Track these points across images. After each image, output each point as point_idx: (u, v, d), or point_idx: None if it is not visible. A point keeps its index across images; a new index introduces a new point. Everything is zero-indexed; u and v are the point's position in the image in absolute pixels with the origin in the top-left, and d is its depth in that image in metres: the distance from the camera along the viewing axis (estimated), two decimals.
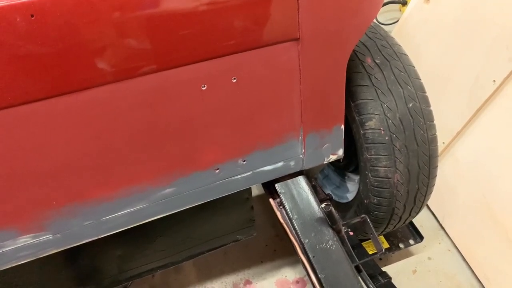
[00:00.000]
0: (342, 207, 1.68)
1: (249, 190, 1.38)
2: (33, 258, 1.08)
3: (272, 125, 1.15)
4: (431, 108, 1.38)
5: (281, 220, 1.29)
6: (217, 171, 1.16)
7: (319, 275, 1.16)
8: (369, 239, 1.68)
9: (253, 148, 1.17)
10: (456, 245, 1.96)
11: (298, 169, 1.27)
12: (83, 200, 1.04)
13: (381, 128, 1.31)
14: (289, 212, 1.27)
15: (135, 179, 1.07)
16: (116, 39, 0.85)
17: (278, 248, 1.99)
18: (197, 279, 1.88)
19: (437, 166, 1.43)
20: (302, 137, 1.20)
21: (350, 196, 1.68)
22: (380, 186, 1.38)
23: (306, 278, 1.86)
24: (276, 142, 1.18)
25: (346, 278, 1.17)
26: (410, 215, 1.52)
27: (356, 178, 1.71)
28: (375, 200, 1.41)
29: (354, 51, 1.35)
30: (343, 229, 1.26)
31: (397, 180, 1.36)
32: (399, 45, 1.43)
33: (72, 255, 1.33)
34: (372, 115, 1.32)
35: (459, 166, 1.87)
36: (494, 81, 1.60)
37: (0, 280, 1.23)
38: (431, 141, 1.37)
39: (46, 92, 0.86)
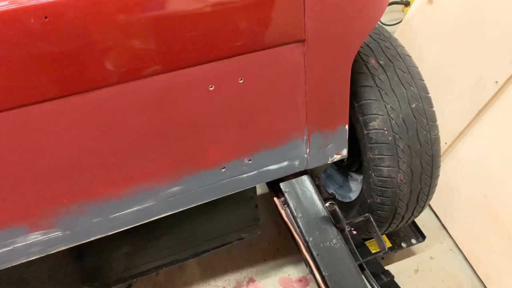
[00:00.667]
0: (345, 207, 1.69)
1: (253, 188, 1.40)
2: (43, 255, 1.10)
3: (278, 125, 1.16)
4: (434, 108, 1.39)
5: (286, 219, 1.31)
6: (223, 170, 1.17)
7: (323, 273, 1.18)
8: (372, 238, 1.69)
9: (259, 148, 1.18)
10: (458, 244, 1.98)
11: (302, 169, 1.29)
12: (92, 198, 1.06)
13: (385, 128, 1.33)
14: (294, 211, 1.28)
15: (143, 177, 1.09)
16: (127, 40, 0.87)
17: (281, 247, 2.01)
18: (200, 277, 1.90)
19: (439, 166, 1.44)
20: (307, 137, 1.22)
21: (353, 195, 1.69)
22: (383, 186, 1.40)
23: (309, 276, 1.88)
24: (281, 142, 1.20)
25: (349, 276, 1.18)
26: (412, 214, 1.54)
27: (359, 177, 1.73)
28: (378, 199, 1.43)
29: (358, 52, 1.36)
30: (347, 228, 1.28)
31: (400, 180, 1.37)
32: (403, 46, 1.45)
33: (79, 252, 1.35)
34: (375, 116, 1.33)
35: (461, 167, 1.88)
36: (497, 82, 1.61)
37: (9, 276, 1.25)
38: (434, 142, 1.39)
39: (58, 92, 0.88)
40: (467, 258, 1.93)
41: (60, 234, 1.08)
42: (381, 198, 1.42)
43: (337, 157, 1.31)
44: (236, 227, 1.48)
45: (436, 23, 1.95)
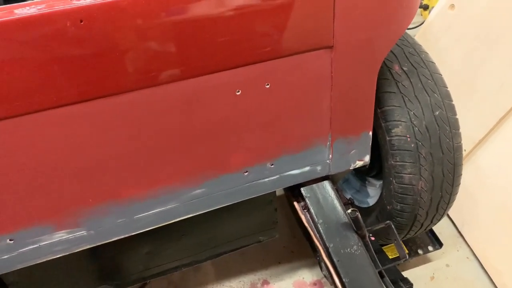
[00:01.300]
0: (363, 212, 1.68)
1: (273, 192, 1.40)
2: (67, 253, 1.11)
3: (302, 130, 1.16)
4: (457, 116, 1.38)
5: (306, 224, 1.31)
6: (246, 173, 1.18)
7: (343, 279, 1.18)
8: (387, 244, 1.69)
9: (282, 152, 1.19)
10: (475, 252, 1.96)
11: (324, 174, 1.29)
12: (117, 199, 1.07)
13: (407, 135, 1.32)
14: (314, 216, 1.28)
15: (167, 179, 1.10)
16: (158, 45, 0.88)
17: (295, 250, 2.00)
18: (215, 278, 1.90)
19: (461, 174, 1.43)
20: (330, 143, 1.22)
21: (371, 201, 1.69)
22: (404, 193, 1.39)
23: (324, 280, 1.88)
24: (304, 147, 1.20)
25: (370, 283, 1.18)
26: (431, 222, 1.53)
27: (377, 183, 1.72)
28: (398, 206, 1.42)
29: None
30: (367, 235, 1.28)
31: (421, 187, 1.37)
32: (427, 53, 1.44)
33: (98, 251, 1.36)
34: (398, 122, 1.33)
35: (479, 174, 1.86)
36: None
37: (30, 273, 1.27)
38: (456, 150, 1.38)
39: (90, 94, 0.89)
40: (484, 266, 1.91)
41: (85, 233, 1.10)
42: (401, 205, 1.42)
43: (359, 163, 1.31)
44: (255, 230, 1.48)
45: (458, 28, 1.92)
